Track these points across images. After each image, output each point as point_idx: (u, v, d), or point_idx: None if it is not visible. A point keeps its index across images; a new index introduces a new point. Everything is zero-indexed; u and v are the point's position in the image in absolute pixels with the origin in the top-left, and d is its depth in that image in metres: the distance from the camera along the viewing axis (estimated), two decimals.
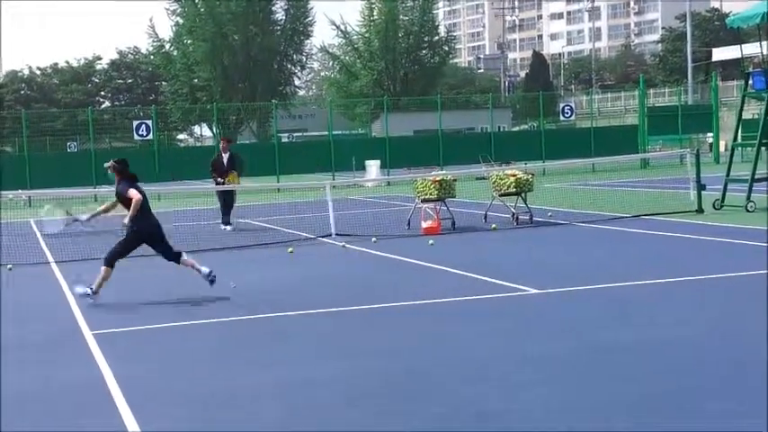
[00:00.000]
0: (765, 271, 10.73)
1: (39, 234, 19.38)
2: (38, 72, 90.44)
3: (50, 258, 15.24)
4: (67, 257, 15.07)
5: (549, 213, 18.59)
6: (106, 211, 11.09)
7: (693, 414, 5.76)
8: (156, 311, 10.06)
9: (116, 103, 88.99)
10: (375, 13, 68.49)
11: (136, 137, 35.26)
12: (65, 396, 6.81)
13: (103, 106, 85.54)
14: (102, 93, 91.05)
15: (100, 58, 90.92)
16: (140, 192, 10.55)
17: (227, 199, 18.84)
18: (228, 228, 18.65)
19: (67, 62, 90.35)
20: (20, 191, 26.70)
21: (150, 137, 34.59)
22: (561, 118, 42.38)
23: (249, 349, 8.13)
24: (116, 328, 9.14)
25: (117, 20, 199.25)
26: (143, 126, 34.47)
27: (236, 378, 7.09)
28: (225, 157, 18.99)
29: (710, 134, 43.42)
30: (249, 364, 7.53)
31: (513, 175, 17.68)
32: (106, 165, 10.96)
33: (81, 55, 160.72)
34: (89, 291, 10.44)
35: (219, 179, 18.81)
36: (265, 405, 6.34)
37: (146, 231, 10.64)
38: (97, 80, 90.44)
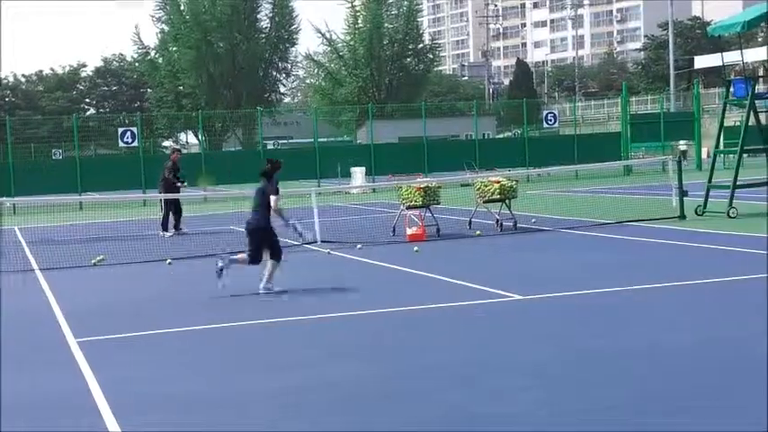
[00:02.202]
0: (749, 276, 10.86)
1: (23, 241, 19.34)
2: (22, 79, 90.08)
3: (35, 266, 15.22)
4: (53, 265, 15.05)
5: (533, 220, 18.68)
6: None
7: (688, 415, 5.83)
8: (140, 319, 10.08)
9: (101, 110, 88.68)
10: (360, 21, 68.56)
11: (121, 144, 35.18)
12: (49, 403, 6.83)
13: (88, 113, 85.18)
14: (87, 100, 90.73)
15: (85, 66, 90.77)
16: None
17: (178, 205, 19.93)
18: (168, 234, 19.39)
19: (52, 69, 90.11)
20: (3, 198, 26.59)
21: (135, 144, 34.55)
22: (545, 125, 42.58)
23: (231, 355, 8.17)
24: (100, 336, 9.15)
25: (102, 27, 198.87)
26: (128, 133, 34.42)
27: (219, 383, 7.14)
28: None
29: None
30: (232, 370, 7.57)
31: (498, 182, 17.75)
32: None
33: (66, 62, 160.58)
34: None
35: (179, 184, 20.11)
36: (248, 410, 6.38)
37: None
38: (82, 87, 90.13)
